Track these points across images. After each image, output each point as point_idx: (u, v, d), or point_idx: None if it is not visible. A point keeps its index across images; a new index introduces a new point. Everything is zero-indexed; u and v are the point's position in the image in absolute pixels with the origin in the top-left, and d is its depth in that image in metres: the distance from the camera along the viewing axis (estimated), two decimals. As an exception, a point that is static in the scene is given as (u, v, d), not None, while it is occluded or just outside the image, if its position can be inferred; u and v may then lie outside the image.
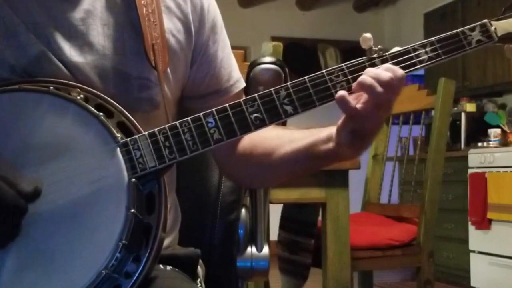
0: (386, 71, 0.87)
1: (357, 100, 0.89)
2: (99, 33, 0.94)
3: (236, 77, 1.09)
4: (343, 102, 0.87)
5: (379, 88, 0.86)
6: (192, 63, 1.04)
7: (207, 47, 1.05)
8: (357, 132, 0.90)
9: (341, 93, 0.87)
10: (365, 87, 0.87)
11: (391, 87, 0.87)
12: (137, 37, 0.95)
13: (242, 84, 1.10)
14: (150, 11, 0.97)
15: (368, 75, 0.87)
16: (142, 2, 0.96)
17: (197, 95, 1.06)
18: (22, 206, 0.81)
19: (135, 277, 0.82)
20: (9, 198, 0.80)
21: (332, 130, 0.95)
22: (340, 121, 0.91)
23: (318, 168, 1.06)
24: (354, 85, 0.88)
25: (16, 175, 0.82)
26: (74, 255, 0.82)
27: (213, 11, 1.07)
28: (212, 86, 1.06)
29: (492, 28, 0.94)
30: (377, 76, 0.86)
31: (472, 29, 0.93)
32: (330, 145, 0.95)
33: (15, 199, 0.80)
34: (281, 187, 2.08)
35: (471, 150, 4.25)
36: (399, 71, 0.88)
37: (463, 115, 4.71)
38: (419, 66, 0.90)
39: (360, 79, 0.87)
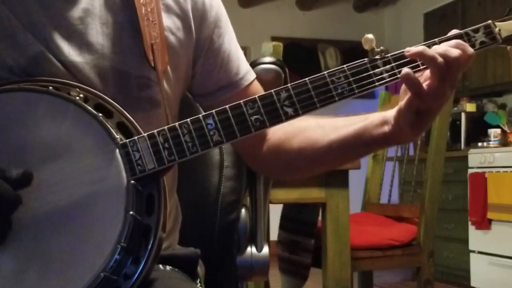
0: (456, 47, 0.87)
1: (423, 78, 0.88)
2: (98, 32, 0.94)
3: (245, 70, 1.07)
4: (409, 79, 0.86)
5: (446, 65, 0.85)
6: (196, 59, 1.04)
7: (211, 42, 1.04)
8: (423, 111, 0.89)
9: (406, 70, 0.86)
10: (434, 64, 0.85)
11: (458, 64, 0.86)
12: (136, 36, 0.95)
13: (252, 76, 1.08)
14: (149, 10, 0.96)
15: (437, 52, 0.86)
16: (141, 1, 0.96)
17: (208, 92, 1.06)
18: (10, 194, 0.80)
19: (134, 279, 0.82)
20: (3, 189, 0.79)
21: (386, 114, 0.94)
22: (403, 102, 0.90)
23: (368, 153, 1.05)
24: (423, 60, 0.88)
25: (2, 166, 0.81)
26: (72, 256, 0.81)
27: (216, 6, 1.06)
28: (221, 80, 1.05)
29: (496, 29, 0.93)
30: (445, 52, 0.86)
31: (476, 30, 0.92)
32: (386, 128, 0.93)
33: (2, 187, 0.79)
34: (281, 187, 2.08)
35: (471, 150, 4.24)
36: (469, 50, 0.88)
37: (463, 115, 4.70)
38: (421, 67, 0.89)
39: (429, 55, 0.86)
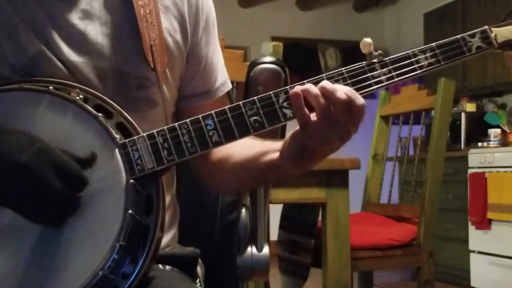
0: (346, 92, 0.84)
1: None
2: (97, 33, 0.94)
3: (221, 80, 1.09)
4: (296, 100, 0.85)
5: (329, 107, 0.83)
6: (186, 63, 1.05)
7: (200, 48, 1.05)
8: (307, 148, 0.88)
9: (295, 90, 0.85)
10: (316, 103, 0.84)
11: (344, 110, 0.83)
12: (135, 37, 0.95)
13: (227, 88, 1.10)
14: (147, 11, 0.97)
15: (324, 91, 0.84)
16: (140, 2, 0.96)
17: (183, 96, 1.06)
18: (84, 176, 0.82)
19: (132, 278, 0.82)
20: (72, 166, 0.80)
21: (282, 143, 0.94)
22: (291, 133, 0.90)
23: (267, 181, 1.02)
24: (307, 98, 0.85)
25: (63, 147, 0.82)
26: (71, 255, 0.82)
27: (207, 10, 1.07)
28: (198, 88, 1.07)
29: (492, 35, 0.94)
30: (332, 93, 0.84)
31: (472, 35, 0.94)
32: (274, 156, 0.94)
33: (77, 168, 0.81)
34: (281, 187, 2.08)
35: (471, 150, 4.24)
36: (359, 100, 0.84)
37: (463, 115, 4.71)
38: (419, 71, 0.90)
39: (312, 93, 0.84)
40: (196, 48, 1.05)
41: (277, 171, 0.96)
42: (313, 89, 0.85)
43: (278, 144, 0.95)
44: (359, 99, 0.85)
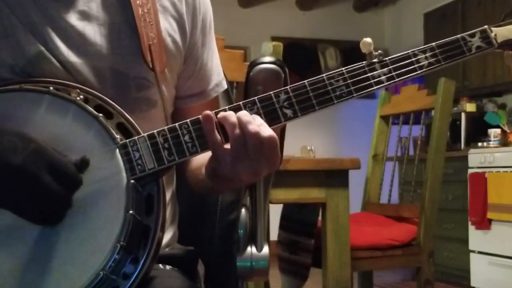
0: (258, 125, 0.84)
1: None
2: (96, 33, 0.94)
3: (216, 81, 1.10)
4: (207, 123, 0.85)
5: (243, 138, 0.83)
6: (184, 63, 1.05)
7: (196, 49, 1.06)
8: (215, 172, 0.88)
9: (206, 112, 0.85)
10: (230, 130, 0.84)
11: (256, 144, 0.83)
12: (134, 37, 0.95)
13: (222, 88, 1.11)
14: (145, 11, 0.97)
15: (240, 118, 0.84)
16: (138, 2, 0.96)
17: (178, 96, 1.07)
18: (78, 176, 0.82)
19: (133, 278, 0.82)
20: (66, 166, 0.80)
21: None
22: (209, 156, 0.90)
23: (210, 190, 1.02)
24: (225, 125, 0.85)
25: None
26: (72, 255, 0.82)
27: (204, 11, 1.07)
28: (194, 88, 1.07)
29: (492, 35, 0.94)
30: (246, 122, 0.83)
31: (472, 35, 0.94)
32: (202, 171, 0.95)
33: (72, 168, 0.81)
34: (281, 187, 2.08)
35: (471, 150, 4.24)
36: (267, 131, 0.84)
37: (463, 115, 4.71)
38: (419, 71, 0.90)
39: (230, 121, 0.84)
40: (193, 48, 1.05)
41: (204, 185, 0.97)
42: (232, 117, 0.84)
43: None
44: (266, 130, 0.84)
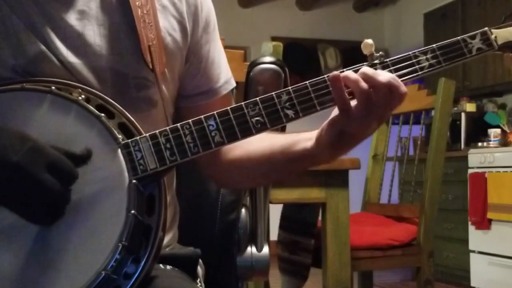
0: (388, 77, 0.86)
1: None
2: (95, 34, 0.94)
3: (225, 79, 1.09)
4: (337, 84, 0.86)
5: (370, 91, 0.85)
6: (185, 62, 1.05)
7: (200, 46, 1.05)
8: (345, 133, 0.90)
9: (335, 73, 0.87)
10: (357, 87, 0.86)
11: (385, 95, 0.86)
12: (133, 37, 0.95)
13: (231, 86, 1.10)
14: (145, 12, 0.97)
15: (366, 76, 0.86)
16: (137, 3, 0.96)
17: (186, 95, 1.07)
18: (74, 172, 0.81)
19: (134, 278, 0.82)
20: (64, 163, 0.80)
21: (313, 132, 0.95)
22: (329, 119, 0.91)
23: (297, 170, 1.04)
24: (347, 83, 0.87)
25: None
26: (73, 255, 0.82)
27: (207, 10, 1.07)
28: (201, 86, 1.07)
29: (493, 37, 0.94)
30: (373, 77, 0.86)
31: (473, 37, 0.94)
32: (308, 145, 0.95)
33: (69, 164, 0.81)
34: (281, 187, 2.08)
35: (471, 150, 4.25)
36: (403, 88, 0.87)
37: (463, 115, 4.71)
38: (420, 72, 0.91)
39: (352, 78, 0.86)
40: (196, 46, 1.05)
41: (310, 159, 0.97)
42: (352, 74, 0.87)
43: (308, 133, 0.96)
44: (402, 88, 0.87)
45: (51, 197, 0.80)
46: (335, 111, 0.90)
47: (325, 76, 0.90)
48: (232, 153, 1.05)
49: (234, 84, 1.12)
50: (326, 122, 0.91)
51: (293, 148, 0.97)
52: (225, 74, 1.10)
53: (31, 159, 0.78)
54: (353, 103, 0.87)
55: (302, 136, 0.97)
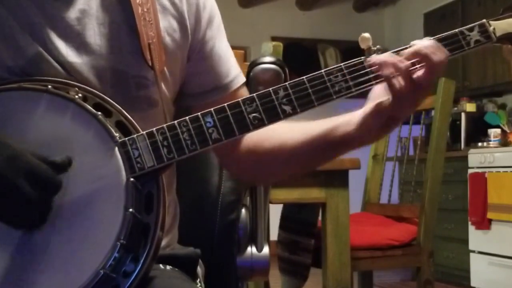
0: (431, 47, 0.89)
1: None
2: (95, 33, 0.94)
3: (234, 73, 1.08)
4: (386, 66, 0.87)
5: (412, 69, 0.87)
6: (188, 61, 1.04)
7: (204, 44, 1.05)
8: (393, 117, 0.90)
9: (383, 58, 0.88)
10: (428, 59, 0.87)
11: (433, 64, 0.87)
12: (133, 36, 0.95)
13: (241, 80, 1.09)
14: (145, 10, 0.96)
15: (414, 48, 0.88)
16: (137, 1, 0.96)
17: (196, 92, 1.06)
18: (56, 181, 0.81)
19: (133, 277, 0.82)
20: (43, 170, 0.80)
21: (353, 115, 0.95)
22: (374, 107, 0.91)
23: (336, 155, 1.04)
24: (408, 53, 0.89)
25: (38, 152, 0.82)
26: (72, 254, 0.82)
27: (210, 8, 1.06)
28: (211, 83, 1.06)
29: (491, 28, 0.93)
30: (431, 52, 0.88)
31: (471, 29, 0.93)
32: (351, 129, 0.94)
33: (48, 172, 0.80)
34: (281, 187, 2.08)
35: (471, 150, 4.25)
36: (444, 51, 0.89)
37: (463, 115, 4.71)
38: (417, 66, 0.90)
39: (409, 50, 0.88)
40: (199, 44, 1.04)
41: (352, 144, 0.97)
42: (391, 58, 0.88)
43: (344, 117, 0.96)
44: (444, 51, 0.90)
45: (28, 205, 0.79)
46: (378, 98, 0.90)
47: (322, 72, 0.90)
48: (261, 147, 1.04)
49: (244, 79, 1.10)
50: (369, 108, 0.91)
51: (334, 133, 0.97)
52: (234, 69, 1.08)
53: (9, 167, 0.78)
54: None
55: (341, 121, 0.96)
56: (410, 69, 0.87)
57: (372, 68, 0.89)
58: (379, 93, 0.91)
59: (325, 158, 1.06)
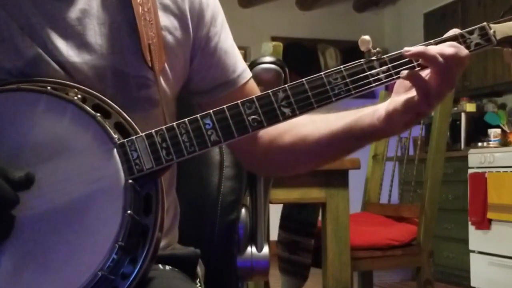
0: (451, 47, 0.88)
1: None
2: (96, 33, 0.94)
3: (241, 68, 1.07)
4: (415, 77, 0.88)
5: (445, 64, 0.87)
6: (192, 58, 1.04)
7: (208, 40, 1.04)
8: (420, 114, 0.91)
9: (411, 71, 0.88)
10: (436, 63, 0.87)
11: (456, 63, 0.87)
12: (134, 36, 0.95)
13: (248, 75, 1.08)
14: (146, 10, 0.96)
15: (435, 51, 0.87)
16: (138, 1, 0.96)
17: (204, 90, 1.06)
18: (11, 196, 0.80)
19: (131, 278, 0.82)
20: (3, 188, 0.79)
21: (377, 108, 0.94)
22: (402, 104, 0.90)
23: (359, 147, 1.03)
24: (424, 59, 0.89)
25: (4, 166, 0.81)
26: (70, 256, 0.81)
27: (212, 5, 1.06)
28: (218, 78, 1.05)
29: (491, 31, 0.93)
30: (442, 51, 0.87)
31: (471, 32, 0.93)
32: (376, 122, 0.94)
33: (8, 189, 0.80)
34: (281, 187, 2.08)
35: (471, 150, 4.24)
36: (464, 51, 0.89)
37: (463, 115, 4.71)
38: (418, 69, 0.90)
39: (430, 54, 0.87)
40: (203, 41, 1.04)
41: (377, 135, 0.97)
42: (430, 50, 0.88)
43: (368, 109, 0.96)
44: (464, 50, 0.89)
45: None
46: (405, 93, 0.91)
47: (322, 74, 0.89)
48: (280, 140, 1.04)
49: (251, 74, 1.10)
50: (397, 103, 0.91)
51: (358, 125, 0.96)
52: (241, 64, 1.08)
53: None
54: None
55: (364, 112, 0.96)
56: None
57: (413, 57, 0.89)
58: (405, 88, 0.91)
59: (348, 149, 1.05)
